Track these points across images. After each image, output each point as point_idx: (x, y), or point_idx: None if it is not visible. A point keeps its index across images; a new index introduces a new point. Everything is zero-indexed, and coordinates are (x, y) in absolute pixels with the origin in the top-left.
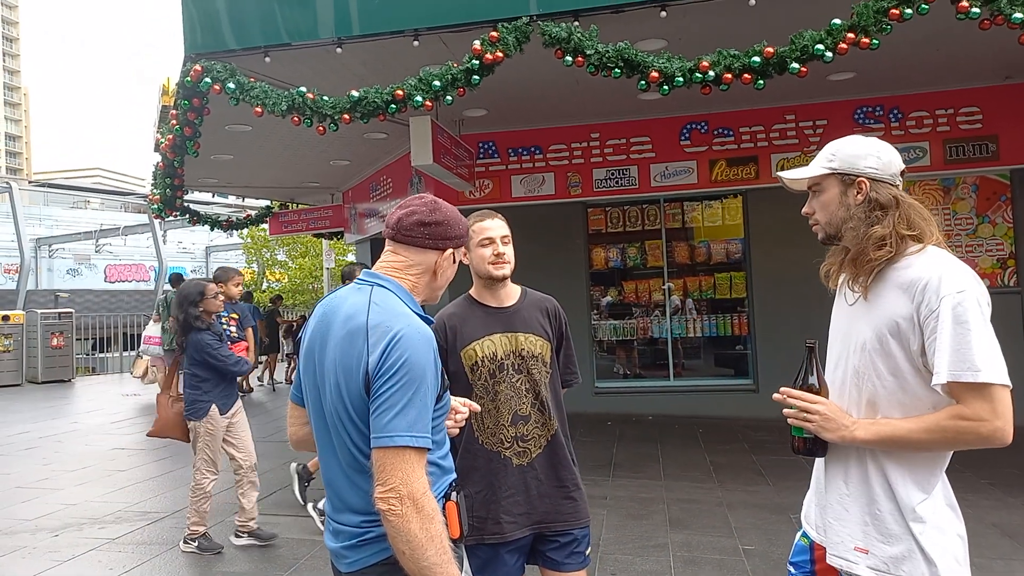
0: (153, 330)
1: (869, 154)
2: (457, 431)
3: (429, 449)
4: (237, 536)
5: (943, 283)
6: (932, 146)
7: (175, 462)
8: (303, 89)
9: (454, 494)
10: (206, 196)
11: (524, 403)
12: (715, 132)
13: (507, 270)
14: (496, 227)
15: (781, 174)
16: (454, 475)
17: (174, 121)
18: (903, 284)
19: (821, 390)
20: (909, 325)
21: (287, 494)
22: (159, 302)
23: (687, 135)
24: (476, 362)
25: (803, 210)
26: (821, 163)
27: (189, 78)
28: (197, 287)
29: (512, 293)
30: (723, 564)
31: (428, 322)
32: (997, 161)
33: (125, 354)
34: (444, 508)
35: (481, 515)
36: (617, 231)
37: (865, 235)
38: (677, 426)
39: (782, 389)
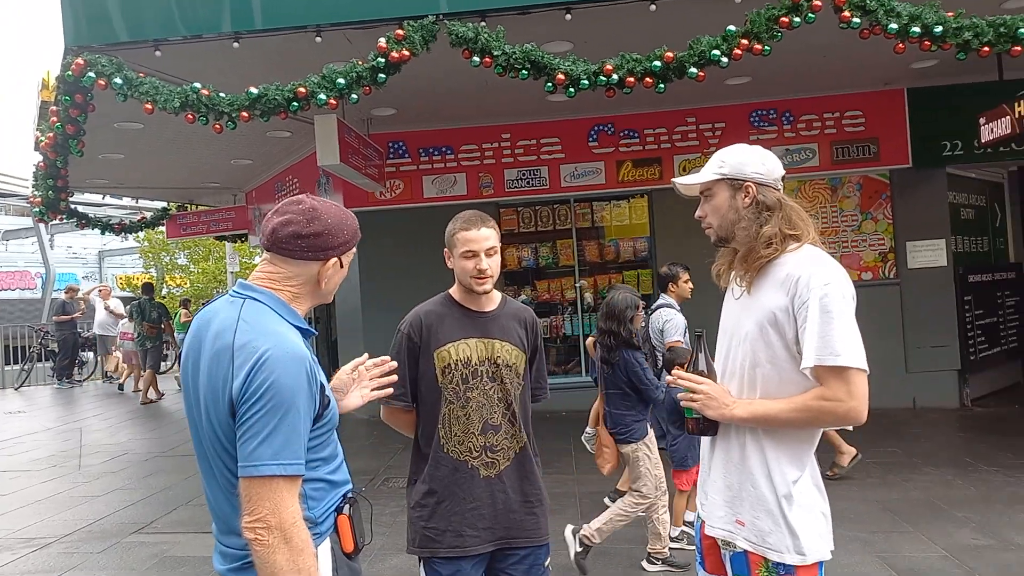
0: (127, 326)
1: (754, 160)
2: (391, 389)
3: (301, 476)
4: (650, 562)
5: (813, 278)
6: (820, 147)
7: (62, 483)
8: (197, 85)
9: (346, 507)
10: (97, 197)
11: (496, 412)
12: (621, 134)
13: (489, 285)
14: (481, 239)
15: (676, 180)
16: (349, 486)
17: (55, 118)
18: (780, 279)
19: (709, 374)
20: (785, 316)
21: (189, 510)
22: (132, 307)
23: (595, 136)
24: (449, 364)
25: (696, 214)
26: (712, 169)
27: (70, 72)
28: (634, 300)
29: (492, 298)
30: (632, 553)
31: (309, 334)
32: (878, 162)
33: (7, 368)
34: (336, 522)
35: (440, 527)
36: (529, 231)
37: (756, 234)
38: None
39: (673, 372)
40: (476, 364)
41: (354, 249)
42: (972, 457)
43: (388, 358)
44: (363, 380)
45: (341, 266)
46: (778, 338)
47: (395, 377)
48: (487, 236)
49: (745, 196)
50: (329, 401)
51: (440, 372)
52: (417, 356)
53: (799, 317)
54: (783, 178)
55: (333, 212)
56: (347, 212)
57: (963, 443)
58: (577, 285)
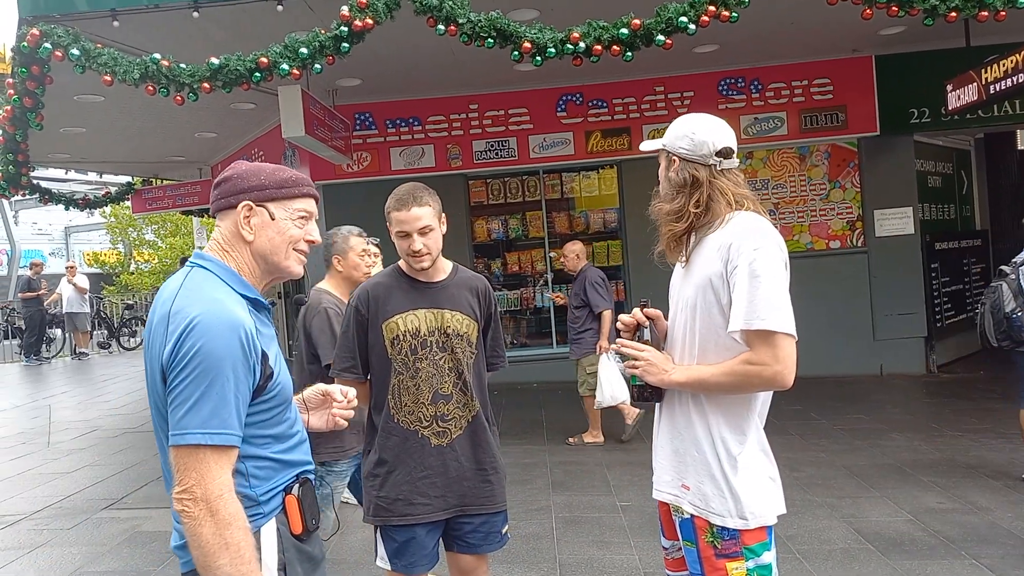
0: None
1: (685, 135)
2: (345, 423)
3: (231, 447)
4: None
5: (744, 242)
6: (789, 116)
7: (31, 461)
8: (157, 56)
9: (296, 487)
10: (61, 172)
11: (446, 382)
12: (590, 104)
13: (426, 263)
14: (412, 219)
15: (642, 145)
16: (303, 467)
17: (11, 91)
18: (715, 246)
19: (653, 343)
20: (720, 282)
21: (159, 486)
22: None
23: (563, 106)
24: (397, 336)
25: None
26: (660, 139)
27: (26, 43)
28: None
29: (442, 269)
30: (601, 521)
31: (260, 305)
32: (846, 130)
33: None
34: (284, 502)
35: (391, 495)
36: (499, 203)
37: (656, 209)
38: (560, 391)
39: (618, 340)
40: (425, 335)
41: (293, 202)
42: (938, 423)
43: (353, 391)
44: (328, 405)
45: (272, 218)
46: (716, 304)
47: (353, 413)
48: (418, 216)
49: (671, 169)
50: (274, 373)
51: (389, 343)
52: (366, 328)
53: (731, 282)
54: (723, 153)
55: (253, 165)
56: (278, 166)
57: (929, 409)
58: (547, 257)
